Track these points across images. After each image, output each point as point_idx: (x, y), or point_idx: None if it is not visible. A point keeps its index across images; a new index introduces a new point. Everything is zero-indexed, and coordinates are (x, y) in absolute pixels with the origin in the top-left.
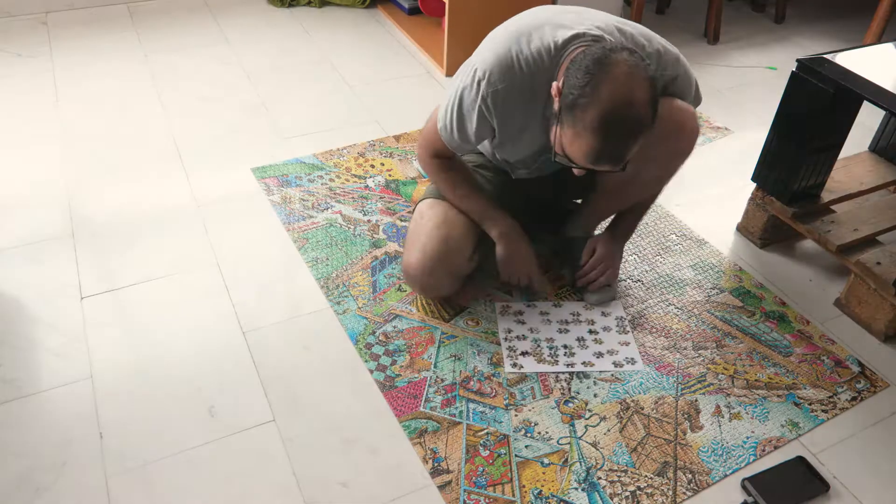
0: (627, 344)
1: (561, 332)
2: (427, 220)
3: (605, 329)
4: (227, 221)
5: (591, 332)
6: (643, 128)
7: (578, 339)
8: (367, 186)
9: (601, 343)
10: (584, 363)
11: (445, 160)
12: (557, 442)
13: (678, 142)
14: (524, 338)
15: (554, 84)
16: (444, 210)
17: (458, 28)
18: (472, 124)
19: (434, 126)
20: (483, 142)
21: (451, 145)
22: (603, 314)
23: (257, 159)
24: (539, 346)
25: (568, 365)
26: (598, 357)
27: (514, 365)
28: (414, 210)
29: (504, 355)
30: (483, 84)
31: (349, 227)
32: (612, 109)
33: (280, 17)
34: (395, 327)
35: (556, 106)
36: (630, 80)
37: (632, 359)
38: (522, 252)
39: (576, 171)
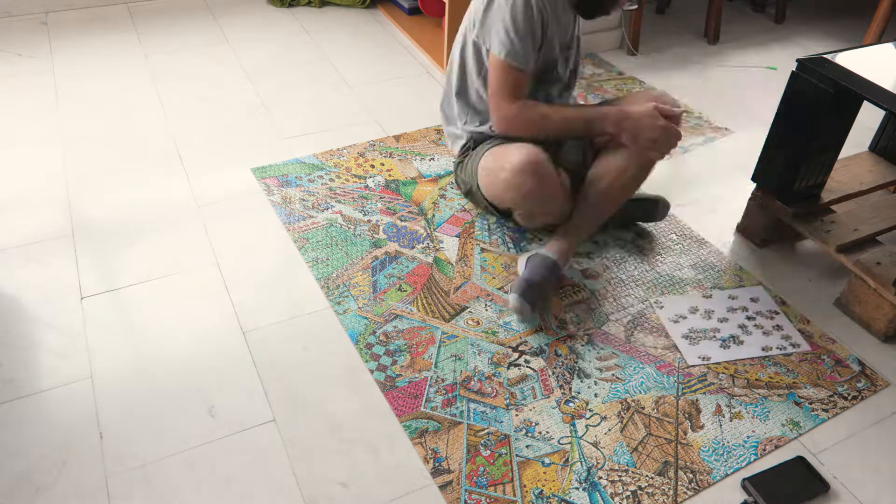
0: (781, 328)
1: (721, 322)
2: (501, 148)
3: (758, 314)
4: (227, 221)
5: (748, 318)
6: None
7: (741, 327)
8: (367, 186)
9: (760, 328)
10: (763, 348)
11: (528, 101)
12: (558, 442)
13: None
14: (697, 331)
15: None
16: (511, 143)
17: (457, 28)
18: (533, 24)
19: (501, 72)
20: (534, 51)
21: (523, 59)
22: (752, 300)
23: (257, 159)
24: (711, 335)
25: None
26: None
27: (701, 357)
28: (478, 178)
29: (685, 353)
30: None
31: (349, 228)
32: None
33: (280, 17)
34: (395, 327)
35: None
36: None
37: (796, 343)
38: (647, 117)
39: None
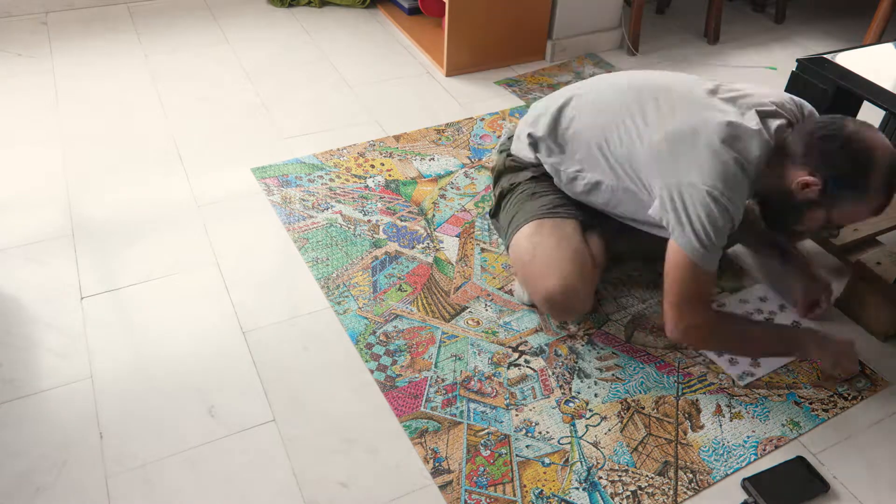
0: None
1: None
2: (544, 244)
3: (772, 313)
4: (227, 221)
5: (766, 318)
6: None
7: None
8: (367, 186)
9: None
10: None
11: (717, 311)
12: (558, 442)
13: None
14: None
15: (800, 176)
16: (552, 225)
17: (458, 28)
18: (727, 229)
19: (690, 279)
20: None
21: (713, 265)
22: (760, 299)
23: (257, 159)
24: None
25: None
26: None
27: (744, 374)
28: (509, 245)
29: (731, 374)
30: (726, 195)
31: (349, 228)
32: (891, 166)
33: (280, 17)
34: (395, 327)
35: (810, 194)
36: (878, 136)
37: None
38: (843, 344)
39: (830, 235)
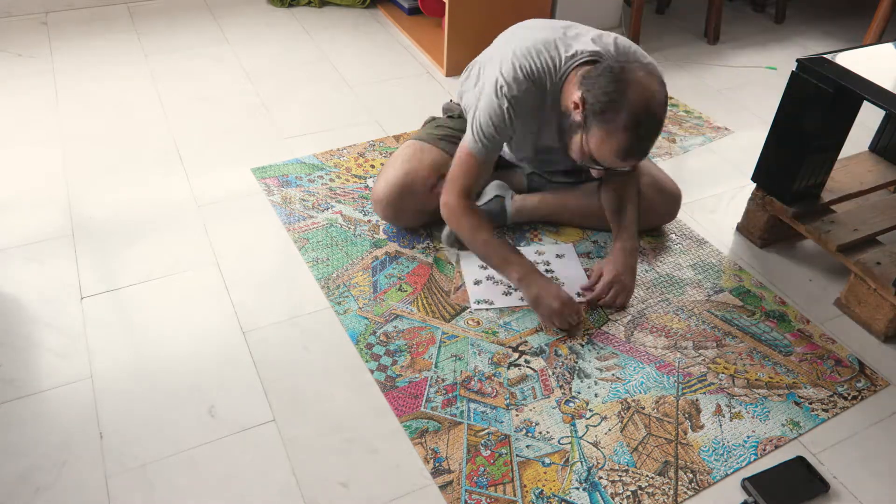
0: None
1: None
2: (399, 155)
3: (558, 269)
4: (227, 221)
5: (547, 270)
6: (662, 125)
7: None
8: (367, 186)
9: (557, 280)
10: None
11: (468, 204)
12: (558, 442)
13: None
14: (491, 279)
15: (573, 97)
16: (417, 147)
17: (458, 28)
18: (502, 127)
19: (460, 165)
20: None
21: (485, 155)
22: (557, 256)
23: (257, 159)
24: (500, 281)
25: (521, 298)
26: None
27: (478, 302)
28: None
29: (470, 294)
30: (506, 91)
31: (349, 228)
32: (641, 109)
33: (280, 17)
34: (395, 327)
35: (577, 117)
36: (650, 83)
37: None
38: (551, 290)
39: (595, 172)
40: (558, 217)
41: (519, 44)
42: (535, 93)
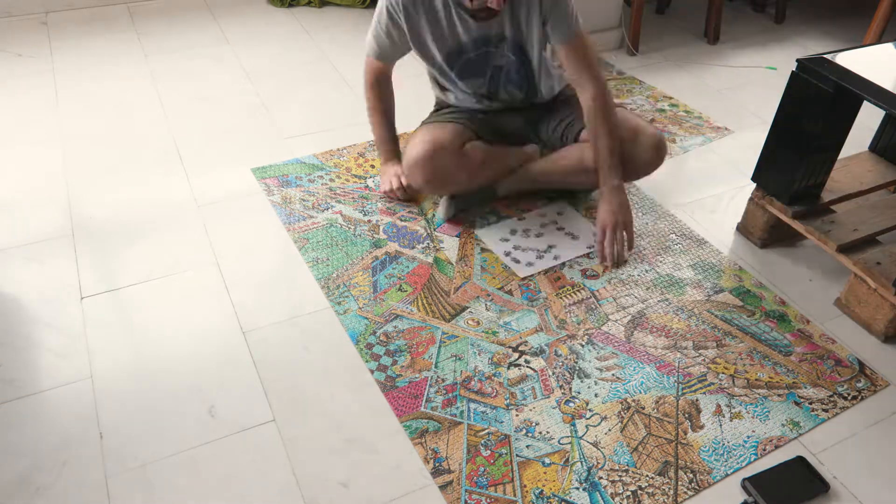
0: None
1: (539, 237)
2: (417, 134)
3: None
4: (227, 221)
5: (558, 228)
6: None
7: (545, 250)
8: (367, 186)
9: (570, 235)
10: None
11: (377, 85)
12: (558, 442)
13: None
14: (518, 248)
15: None
16: (431, 126)
17: None
18: (384, 26)
19: (366, 67)
20: (402, 50)
21: (375, 53)
22: (558, 213)
23: (257, 159)
24: (529, 251)
25: (555, 258)
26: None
27: (530, 265)
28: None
29: (514, 269)
30: None
31: (349, 228)
32: None
33: (280, 17)
34: (395, 327)
35: None
36: None
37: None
38: (389, 171)
39: (493, 3)
40: (547, 177)
41: None
42: None
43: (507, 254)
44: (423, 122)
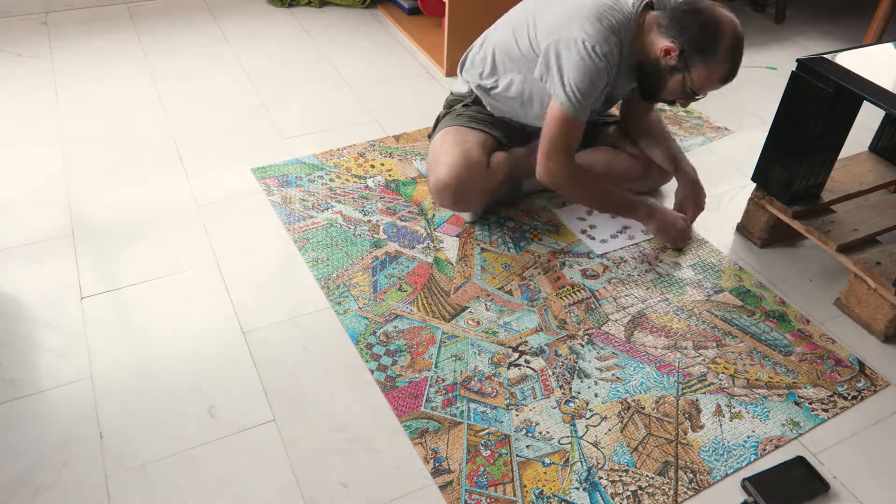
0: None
1: (613, 218)
2: (444, 143)
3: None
4: (227, 221)
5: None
6: None
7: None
8: (367, 186)
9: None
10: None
11: (576, 164)
12: (558, 442)
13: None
14: (594, 227)
15: (659, 45)
16: (456, 131)
17: (458, 28)
18: (599, 86)
19: (559, 129)
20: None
21: (582, 115)
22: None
23: (257, 159)
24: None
25: (630, 237)
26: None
27: (604, 242)
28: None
29: (590, 245)
30: (598, 49)
31: (349, 228)
32: (734, 38)
33: (280, 17)
34: (395, 327)
35: (671, 62)
36: (726, 12)
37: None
38: (670, 218)
39: (681, 103)
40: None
41: (583, 2)
42: (618, 45)
43: (583, 231)
44: (445, 123)
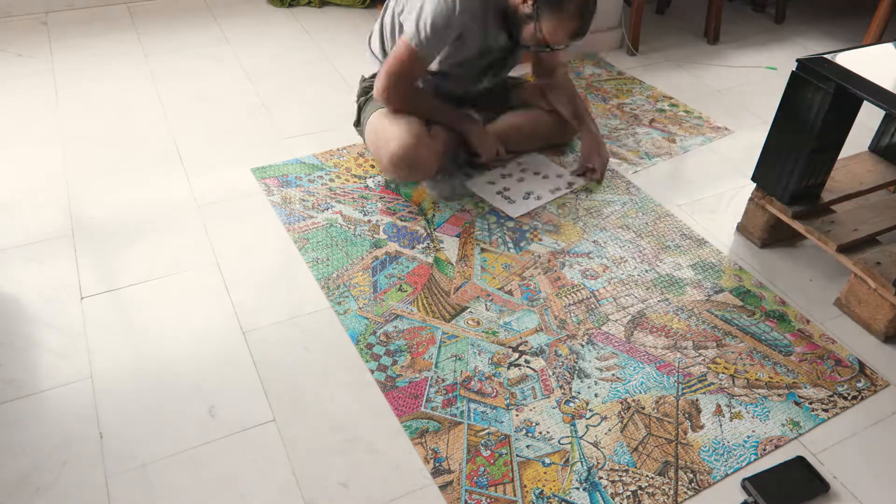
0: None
1: (520, 181)
2: (384, 122)
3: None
4: (227, 222)
5: (535, 173)
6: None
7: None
8: (367, 186)
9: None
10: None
11: (411, 87)
12: (558, 442)
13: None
14: (508, 189)
15: None
16: (390, 112)
17: None
18: (449, 31)
19: (401, 57)
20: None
21: (425, 57)
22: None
23: (257, 159)
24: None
25: (537, 198)
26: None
27: (513, 203)
28: (364, 135)
29: (507, 210)
30: (459, 1)
31: (349, 228)
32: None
33: (280, 17)
34: (395, 327)
35: (526, 10)
36: None
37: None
38: (484, 130)
39: (543, 54)
40: (516, 138)
41: None
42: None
43: (499, 192)
44: (372, 107)
